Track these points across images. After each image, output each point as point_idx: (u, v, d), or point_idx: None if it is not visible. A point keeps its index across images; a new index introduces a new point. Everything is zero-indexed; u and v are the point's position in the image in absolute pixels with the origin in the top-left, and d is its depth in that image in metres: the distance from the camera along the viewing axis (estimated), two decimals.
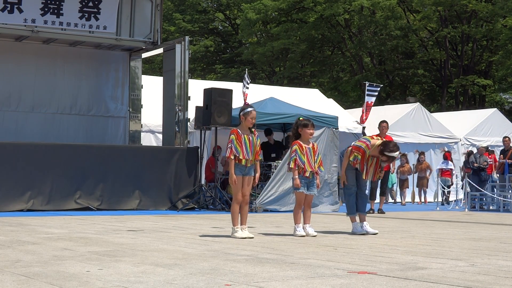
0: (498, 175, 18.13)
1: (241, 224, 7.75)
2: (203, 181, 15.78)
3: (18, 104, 15.67)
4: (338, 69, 42.48)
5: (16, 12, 14.33)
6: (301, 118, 8.39)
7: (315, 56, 39.74)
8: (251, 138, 7.79)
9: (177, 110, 15.26)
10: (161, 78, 16.64)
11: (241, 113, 7.86)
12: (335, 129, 15.49)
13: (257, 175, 7.99)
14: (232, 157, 7.63)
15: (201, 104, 14.71)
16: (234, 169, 7.67)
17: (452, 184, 19.80)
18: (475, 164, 18.26)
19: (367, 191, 11.42)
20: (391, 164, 18.73)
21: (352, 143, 8.89)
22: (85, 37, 15.45)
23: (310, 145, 8.23)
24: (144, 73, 19.12)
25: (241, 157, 7.64)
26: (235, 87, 17.53)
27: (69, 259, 5.37)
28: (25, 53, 15.72)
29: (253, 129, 7.94)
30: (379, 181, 14.58)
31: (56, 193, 13.61)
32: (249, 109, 7.84)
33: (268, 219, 11.48)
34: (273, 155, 15.93)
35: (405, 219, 12.56)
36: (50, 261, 5.23)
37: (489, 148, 19.92)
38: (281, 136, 18.12)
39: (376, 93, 20.06)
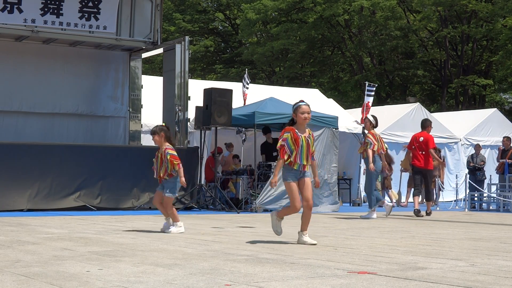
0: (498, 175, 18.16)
1: (302, 230, 6.96)
2: (203, 181, 15.79)
3: (18, 104, 15.67)
4: (338, 69, 42.49)
5: (16, 12, 14.33)
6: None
7: (315, 56, 39.75)
8: (309, 141, 6.87)
9: (177, 110, 15.26)
10: (161, 78, 16.64)
11: (292, 110, 6.95)
12: (335, 129, 15.49)
13: (316, 179, 7.17)
14: (285, 158, 6.78)
15: (201, 104, 14.71)
16: (287, 174, 6.85)
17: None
18: (471, 164, 18.26)
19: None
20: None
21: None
22: (85, 37, 15.44)
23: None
24: (144, 73, 19.12)
25: (292, 159, 6.79)
26: (235, 87, 17.54)
27: (69, 259, 5.37)
28: (25, 53, 15.72)
29: (307, 129, 6.99)
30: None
31: (56, 193, 13.63)
32: (300, 103, 6.88)
33: (268, 219, 11.45)
34: (275, 153, 15.93)
35: (405, 219, 12.56)
36: (50, 261, 5.23)
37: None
38: None
39: (373, 93, 20.06)
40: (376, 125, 12.53)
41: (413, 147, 13.91)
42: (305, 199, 6.89)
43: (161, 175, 8.36)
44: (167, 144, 8.44)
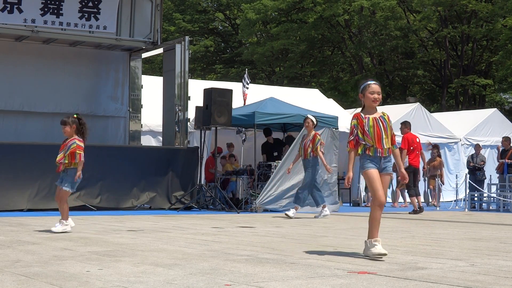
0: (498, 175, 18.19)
1: (370, 237, 5.81)
2: (203, 181, 15.79)
3: (18, 104, 15.66)
4: (338, 69, 42.50)
5: (16, 12, 14.33)
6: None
7: (315, 56, 39.76)
8: (381, 122, 5.88)
9: (177, 110, 15.26)
10: (161, 78, 16.64)
11: (360, 91, 6.05)
12: (335, 129, 15.49)
13: (402, 171, 6.02)
14: (353, 148, 5.91)
15: (201, 104, 14.71)
16: (366, 162, 5.82)
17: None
18: (471, 164, 18.26)
19: None
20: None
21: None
22: (85, 37, 15.44)
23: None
24: (144, 73, 19.11)
25: (364, 143, 5.86)
26: (235, 87, 17.54)
27: (69, 259, 5.37)
28: (25, 53, 15.72)
29: (381, 112, 6.03)
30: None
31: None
32: (369, 82, 6.01)
33: (268, 219, 11.47)
34: (275, 153, 15.93)
35: (405, 219, 12.57)
36: (50, 261, 5.23)
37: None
38: (281, 136, 18.13)
39: None
40: (316, 125, 12.44)
41: (411, 148, 14.67)
42: None
43: (59, 159, 8.13)
44: (77, 136, 8.32)
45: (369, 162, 5.81)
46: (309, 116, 12.44)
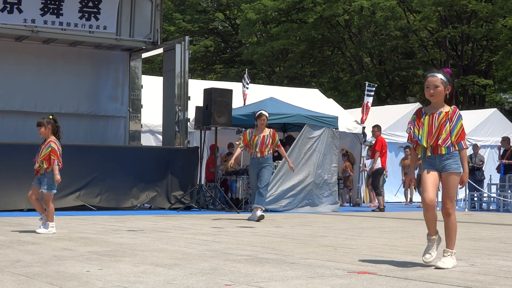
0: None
1: (445, 247, 5.27)
2: (203, 181, 15.79)
3: (18, 104, 15.65)
4: (338, 69, 42.51)
5: (16, 12, 14.32)
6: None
7: (315, 56, 39.76)
8: (440, 118, 5.17)
9: (177, 110, 15.26)
10: (161, 78, 16.64)
11: None
12: (335, 129, 15.50)
13: (464, 176, 5.26)
14: (413, 146, 5.33)
15: (201, 104, 14.72)
16: (422, 164, 5.31)
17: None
18: (470, 164, 18.28)
19: None
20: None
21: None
22: (85, 37, 15.43)
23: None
24: (144, 73, 19.10)
25: (423, 143, 5.21)
26: (235, 87, 17.55)
27: (69, 259, 5.37)
28: (25, 53, 15.71)
29: (452, 107, 5.25)
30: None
31: (56, 193, 13.58)
32: (428, 74, 5.27)
33: (268, 219, 11.47)
34: (276, 153, 15.93)
35: (405, 219, 12.57)
36: (50, 261, 5.23)
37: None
38: (281, 136, 18.13)
39: (373, 93, 20.09)
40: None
41: (383, 151, 15.49)
42: (442, 201, 5.26)
43: (37, 166, 8.17)
44: (53, 137, 8.32)
45: (424, 163, 5.26)
46: (264, 112, 11.73)
